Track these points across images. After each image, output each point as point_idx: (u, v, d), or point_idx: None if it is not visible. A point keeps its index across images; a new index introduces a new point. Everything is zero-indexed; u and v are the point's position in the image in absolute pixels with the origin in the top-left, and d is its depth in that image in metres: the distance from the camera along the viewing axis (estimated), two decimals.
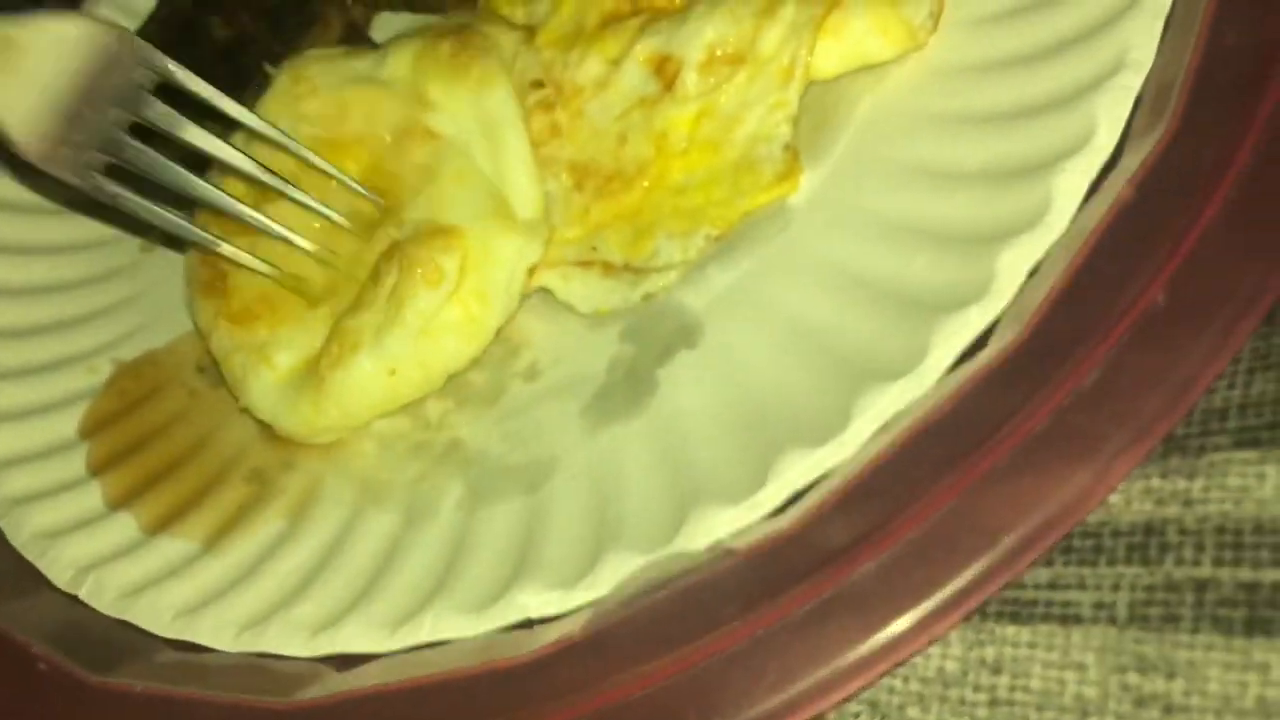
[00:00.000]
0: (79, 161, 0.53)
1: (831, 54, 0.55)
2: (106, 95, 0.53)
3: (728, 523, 0.44)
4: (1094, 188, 0.44)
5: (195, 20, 0.73)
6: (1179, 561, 0.35)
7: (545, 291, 0.59)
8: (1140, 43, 0.47)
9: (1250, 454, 0.36)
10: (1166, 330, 0.37)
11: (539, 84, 0.63)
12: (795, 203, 0.55)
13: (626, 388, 0.54)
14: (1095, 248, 0.41)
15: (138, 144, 0.55)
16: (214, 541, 0.57)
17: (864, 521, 0.39)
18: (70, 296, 0.73)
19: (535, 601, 0.46)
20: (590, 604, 0.44)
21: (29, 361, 0.69)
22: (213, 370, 0.67)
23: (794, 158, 0.55)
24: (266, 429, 0.60)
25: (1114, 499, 0.38)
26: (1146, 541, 0.36)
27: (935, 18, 0.55)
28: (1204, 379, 0.36)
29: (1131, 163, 0.43)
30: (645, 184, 0.57)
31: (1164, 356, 0.36)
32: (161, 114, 0.55)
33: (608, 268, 0.57)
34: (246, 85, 0.68)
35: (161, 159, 0.55)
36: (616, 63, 0.60)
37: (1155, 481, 0.37)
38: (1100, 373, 0.37)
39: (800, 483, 0.43)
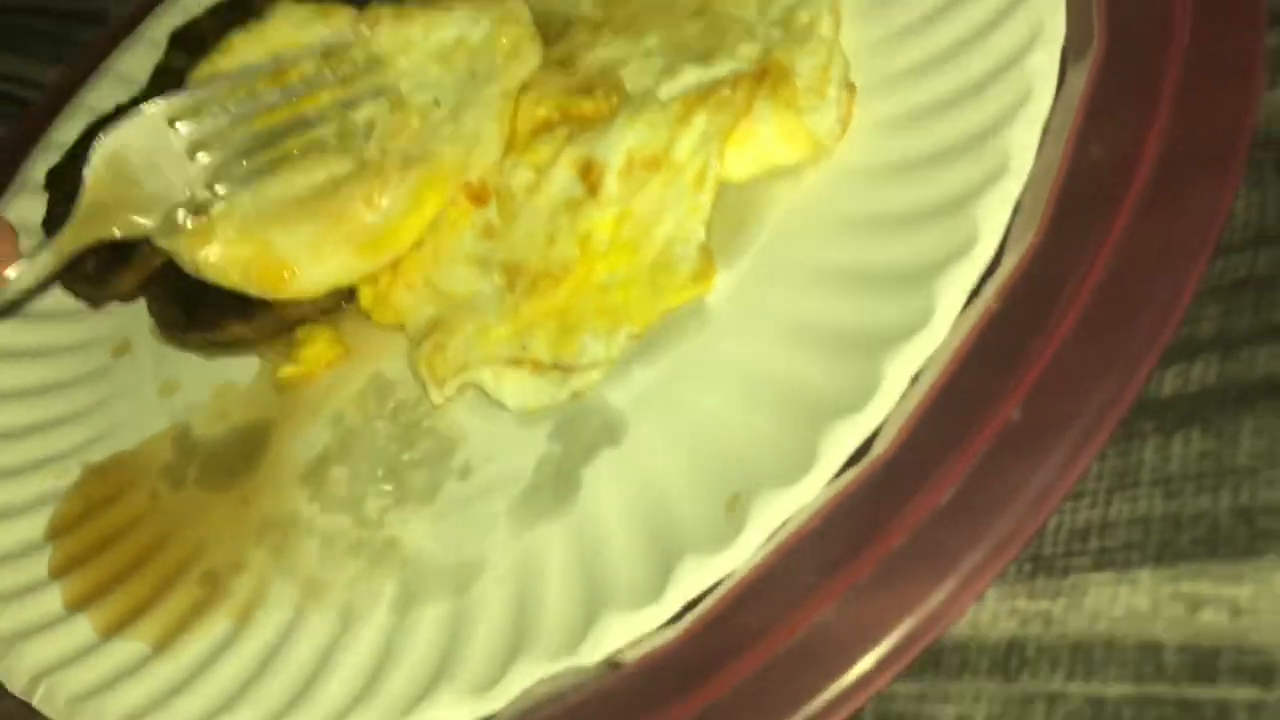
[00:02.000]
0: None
1: (742, 160, 0.58)
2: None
3: (626, 632, 0.45)
4: (973, 294, 0.46)
5: None
6: (1034, 675, 0.37)
7: (479, 389, 0.61)
8: (1020, 150, 0.48)
9: (1106, 575, 0.37)
10: (1021, 446, 0.38)
11: (475, 192, 0.66)
12: (713, 302, 0.57)
13: (552, 487, 0.56)
14: (961, 361, 0.42)
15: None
16: (165, 643, 0.59)
17: (740, 635, 0.40)
18: (42, 400, 0.76)
19: (448, 710, 0.48)
20: (489, 717, 0.46)
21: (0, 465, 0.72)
22: (176, 472, 0.70)
23: (708, 259, 0.57)
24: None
25: (982, 617, 0.39)
26: (1008, 657, 0.37)
27: (843, 123, 0.58)
28: (1056, 495, 0.37)
29: (1005, 269, 0.45)
30: (571, 283, 0.60)
31: (1018, 473, 0.38)
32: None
33: (537, 366, 0.59)
34: None
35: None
36: (546, 169, 0.62)
37: (1021, 602, 0.38)
38: (958, 489, 0.38)
39: (695, 591, 0.45)
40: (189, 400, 0.74)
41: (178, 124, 0.64)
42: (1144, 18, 0.47)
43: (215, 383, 0.73)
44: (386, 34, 0.69)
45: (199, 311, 0.73)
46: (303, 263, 0.63)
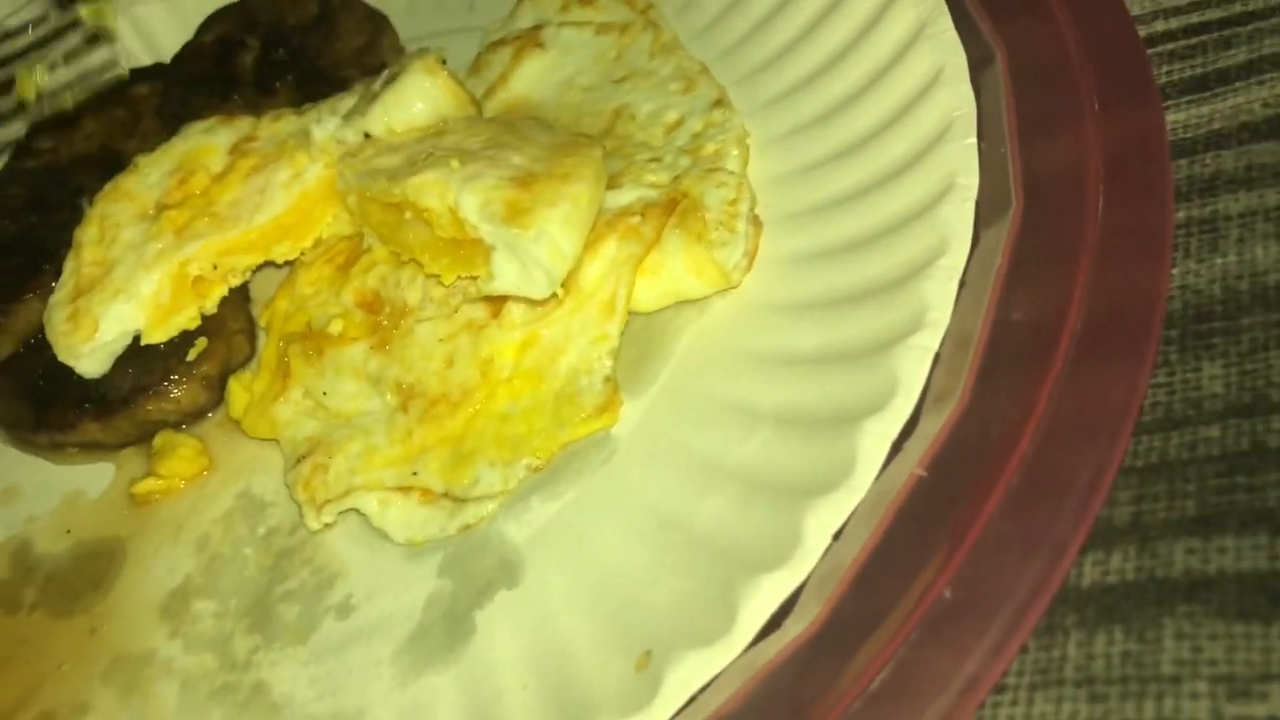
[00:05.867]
0: None
1: (651, 290, 0.57)
2: None
3: None
4: (894, 450, 0.45)
5: None
6: None
7: (362, 515, 0.57)
8: (938, 303, 0.48)
9: None
10: (952, 628, 0.37)
11: (367, 300, 0.63)
12: (618, 432, 0.55)
13: (442, 630, 0.52)
14: (888, 531, 0.41)
15: None
16: None
17: None
18: None
19: None
20: None
21: None
22: (11, 593, 0.63)
23: (614, 390, 0.55)
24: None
25: None
26: None
27: (750, 257, 0.57)
28: (986, 683, 0.36)
29: (928, 428, 0.44)
30: (470, 409, 0.57)
31: (950, 656, 0.37)
32: None
33: (426, 494, 0.56)
34: None
35: None
36: (448, 285, 0.60)
37: None
38: (889, 673, 0.37)
39: None
40: (31, 510, 0.67)
41: None
42: (1059, 185, 0.48)
43: (63, 491, 0.67)
44: (290, 121, 0.67)
45: (51, 410, 0.67)
46: None
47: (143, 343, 0.66)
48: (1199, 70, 0.55)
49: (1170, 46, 0.57)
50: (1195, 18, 0.57)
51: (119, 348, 0.66)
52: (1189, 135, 0.52)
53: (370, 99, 0.66)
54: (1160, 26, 0.58)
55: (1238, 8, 0.56)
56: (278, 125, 0.69)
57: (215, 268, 0.66)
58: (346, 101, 0.69)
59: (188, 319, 0.66)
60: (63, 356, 0.65)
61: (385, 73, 0.68)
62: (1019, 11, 0.57)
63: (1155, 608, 0.37)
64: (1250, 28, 0.55)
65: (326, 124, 0.66)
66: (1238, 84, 0.53)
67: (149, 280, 0.65)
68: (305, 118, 0.69)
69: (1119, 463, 0.39)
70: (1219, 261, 0.47)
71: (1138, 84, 0.52)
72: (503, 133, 0.59)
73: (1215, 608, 0.36)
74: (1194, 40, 0.56)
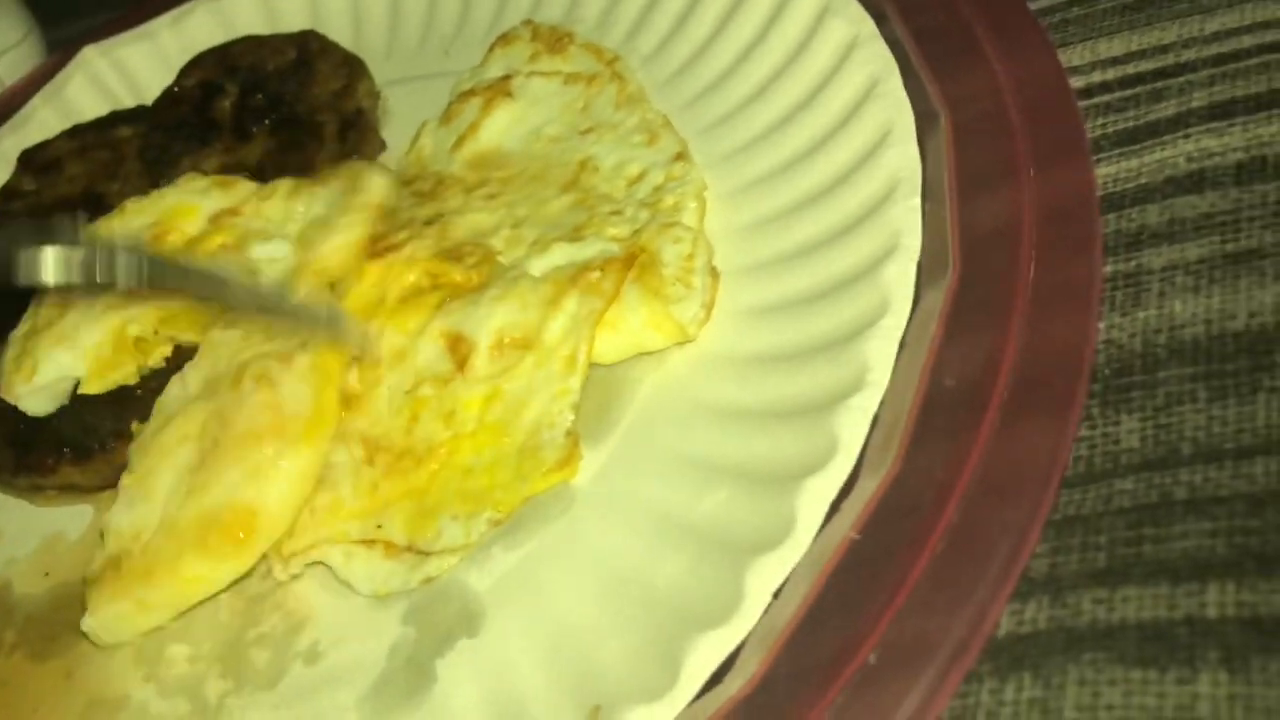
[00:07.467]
0: None
1: (611, 343, 0.58)
2: None
3: None
4: (833, 508, 0.47)
5: None
6: None
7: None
8: (878, 365, 0.50)
9: None
10: (875, 693, 0.39)
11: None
12: (578, 484, 0.57)
13: (405, 678, 0.54)
14: (821, 593, 0.43)
15: None
16: None
17: None
18: None
19: None
20: None
21: None
22: None
23: (575, 444, 0.56)
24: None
25: None
26: None
27: (708, 309, 0.59)
28: None
29: (864, 490, 0.46)
30: (434, 463, 0.58)
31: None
32: None
33: (390, 548, 0.58)
34: None
35: None
36: (414, 337, 0.61)
37: None
38: None
39: None
40: (11, 553, 0.69)
41: None
42: (993, 246, 0.49)
43: (42, 534, 0.69)
44: (276, 205, 0.68)
45: (30, 454, 0.69)
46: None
47: (80, 392, 0.67)
48: (1130, 123, 0.57)
49: (1106, 98, 0.59)
50: (1131, 68, 0.59)
51: (60, 392, 0.68)
52: (1117, 190, 0.54)
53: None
54: (1098, 77, 0.60)
55: (1170, 59, 0.58)
56: (264, 205, 0.70)
57: (156, 332, 0.68)
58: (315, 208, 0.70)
59: (125, 375, 0.68)
60: (2, 393, 0.67)
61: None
62: (961, 68, 0.59)
63: (1062, 655, 0.39)
64: (1181, 80, 0.57)
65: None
66: (1165, 137, 0.55)
67: (91, 333, 0.67)
68: (290, 205, 0.70)
69: (1041, 524, 0.41)
70: (1141, 315, 0.49)
71: (1071, 143, 0.54)
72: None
73: (1116, 655, 0.38)
74: (1128, 92, 0.58)
